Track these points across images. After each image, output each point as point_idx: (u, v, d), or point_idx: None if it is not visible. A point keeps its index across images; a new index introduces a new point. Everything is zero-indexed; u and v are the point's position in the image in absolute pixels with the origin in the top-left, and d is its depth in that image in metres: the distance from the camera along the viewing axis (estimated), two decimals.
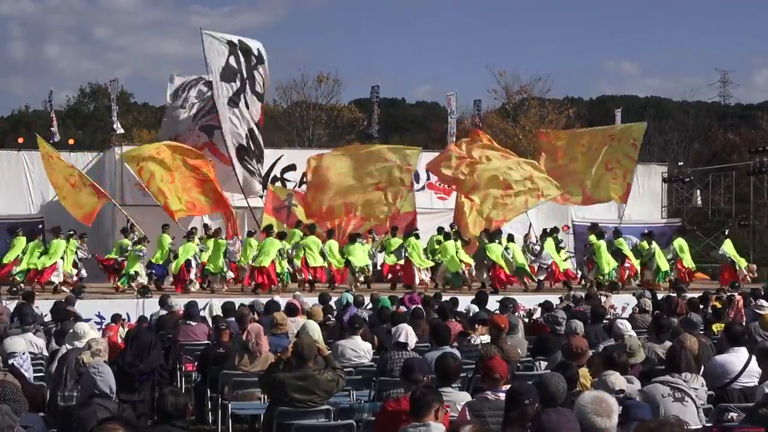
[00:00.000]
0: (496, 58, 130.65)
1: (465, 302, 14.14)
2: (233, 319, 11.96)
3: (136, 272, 19.72)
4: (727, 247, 22.79)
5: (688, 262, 22.65)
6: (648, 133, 44.76)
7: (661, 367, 7.98)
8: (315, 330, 9.78)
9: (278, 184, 25.21)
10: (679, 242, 22.85)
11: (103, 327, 14.13)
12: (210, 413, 10.16)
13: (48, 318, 13.60)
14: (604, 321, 11.84)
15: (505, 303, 12.77)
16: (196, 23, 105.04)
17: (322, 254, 20.39)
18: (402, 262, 21.01)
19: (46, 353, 10.37)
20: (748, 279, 22.63)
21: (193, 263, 19.89)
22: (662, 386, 6.67)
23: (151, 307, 16.02)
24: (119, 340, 11.96)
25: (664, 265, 21.94)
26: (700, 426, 6.75)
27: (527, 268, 21.23)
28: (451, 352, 8.12)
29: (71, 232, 20.61)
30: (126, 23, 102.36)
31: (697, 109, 51.73)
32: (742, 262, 22.76)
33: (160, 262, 20.24)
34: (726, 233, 24.09)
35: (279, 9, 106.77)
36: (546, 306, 13.93)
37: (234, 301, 14.29)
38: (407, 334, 8.99)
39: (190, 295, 17.37)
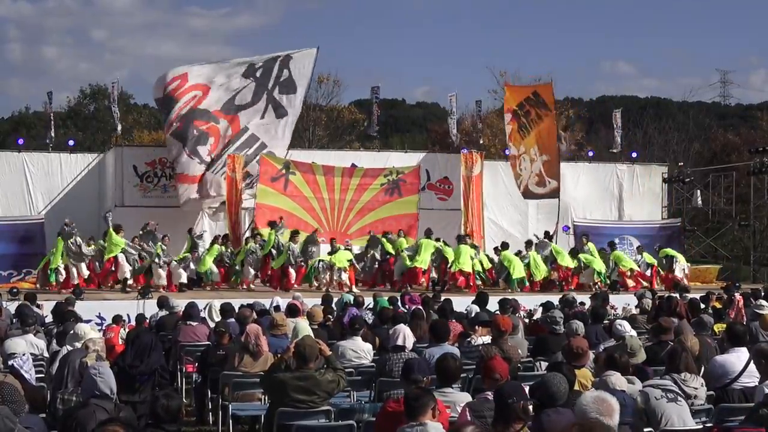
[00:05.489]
0: (496, 58, 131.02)
1: (465, 303, 14.12)
2: (233, 319, 11.96)
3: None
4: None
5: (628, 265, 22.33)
6: (648, 134, 45.06)
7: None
8: (305, 331, 9.77)
9: None
10: (664, 252, 22.86)
11: (104, 328, 14.11)
12: (210, 414, 10.17)
13: (49, 319, 13.60)
14: (604, 322, 11.84)
15: (505, 303, 12.73)
16: (193, 25, 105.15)
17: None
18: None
19: (46, 354, 10.35)
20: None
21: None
22: (654, 389, 6.68)
23: (151, 308, 15.99)
24: (120, 342, 11.95)
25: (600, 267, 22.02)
26: (699, 426, 6.75)
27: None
28: (452, 352, 8.12)
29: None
30: (123, 25, 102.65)
31: (697, 110, 51.73)
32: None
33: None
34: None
35: (275, 11, 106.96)
36: (546, 306, 13.89)
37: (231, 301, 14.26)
38: (404, 336, 8.96)
39: (188, 295, 17.38)
